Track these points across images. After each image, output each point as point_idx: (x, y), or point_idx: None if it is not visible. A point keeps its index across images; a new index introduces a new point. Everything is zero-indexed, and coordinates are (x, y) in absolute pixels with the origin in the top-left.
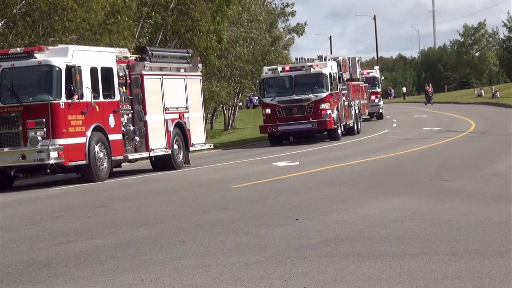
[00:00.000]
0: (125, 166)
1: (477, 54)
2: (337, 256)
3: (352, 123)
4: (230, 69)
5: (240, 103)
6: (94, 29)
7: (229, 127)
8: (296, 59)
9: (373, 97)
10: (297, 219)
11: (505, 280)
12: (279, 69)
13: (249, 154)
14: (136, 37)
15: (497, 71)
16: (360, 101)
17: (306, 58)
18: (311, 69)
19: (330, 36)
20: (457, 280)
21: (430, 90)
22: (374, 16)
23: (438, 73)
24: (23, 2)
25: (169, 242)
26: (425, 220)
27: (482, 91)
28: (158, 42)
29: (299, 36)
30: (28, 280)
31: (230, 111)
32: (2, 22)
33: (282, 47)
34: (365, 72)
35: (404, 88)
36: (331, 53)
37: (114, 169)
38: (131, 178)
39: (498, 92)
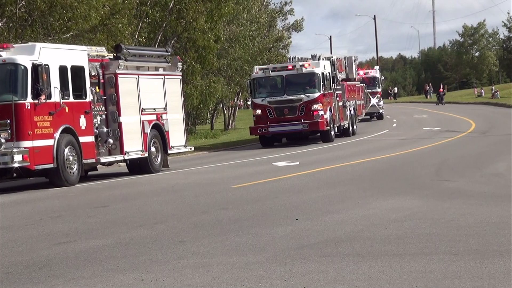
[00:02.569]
0: (102, 169)
1: (477, 54)
2: (337, 256)
3: (347, 124)
4: (230, 69)
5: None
6: (93, 29)
7: (229, 127)
8: (289, 58)
9: (373, 97)
10: (297, 219)
11: (505, 280)
12: (270, 68)
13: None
14: (136, 36)
15: (497, 71)
16: (356, 101)
17: (299, 58)
18: (303, 68)
19: (330, 36)
20: (457, 280)
21: (441, 90)
22: (374, 16)
23: (438, 73)
24: (23, 1)
25: (169, 242)
26: (425, 220)
27: (482, 91)
28: (157, 41)
29: (297, 32)
30: (28, 280)
31: (230, 111)
32: (2, 22)
33: (282, 47)
34: (365, 72)
35: (395, 88)
36: (331, 53)
37: (90, 173)
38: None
39: (498, 92)
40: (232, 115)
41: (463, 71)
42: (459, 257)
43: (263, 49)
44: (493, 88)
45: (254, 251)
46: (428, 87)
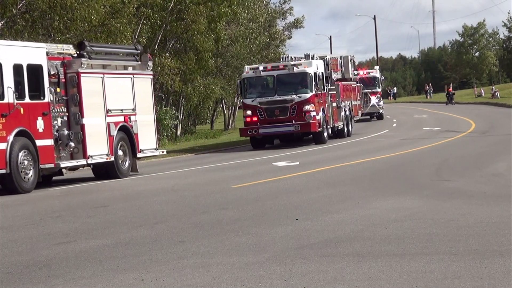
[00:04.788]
0: (67, 174)
1: (476, 54)
2: (337, 256)
3: (342, 125)
4: (229, 68)
5: None
6: (94, 29)
7: (229, 127)
8: (281, 57)
9: (373, 97)
10: (297, 219)
11: (505, 280)
12: (261, 68)
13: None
14: (136, 37)
15: (497, 71)
16: (351, 102)
17: (292, 57)
18: (294, 68)
19: (330, 36)
20: (457, 280)
21: (450, 89)
22: (374, 16)
23: (438, 73)
24: (23, 1)
25: (169, 242)
26: (425, 220)
27: (482, 91)
28: (157, 42)
29: (297, 29)
30: (28, 280)
31: (230, 111)
32: (2, 22)
33: (280, 41)
34: (366, 72)
35: (395, 88)
36: (331, 53)
37: (54, 178)
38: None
39: (498, 92)
40: (232, 115)
41: (463, 71)
42: (459, 257)
43: (262, 47)
44: (493, 88)
45: (254, 251)
46: (428, 87)
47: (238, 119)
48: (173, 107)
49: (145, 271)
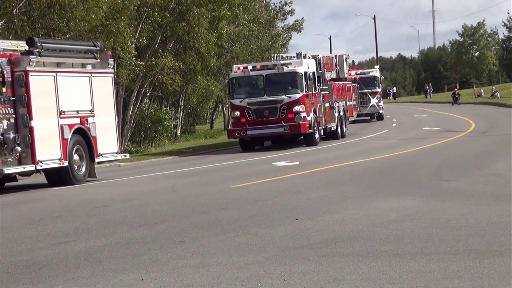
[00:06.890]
0: (23, 180)
1: (476, 54)
2: (337, 256)
3: (335, 127)
4: (230, 69)
5: None
6: (93, 29)
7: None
8: (272, 56)
9: (372, 97)
10: (297, 219)
11: (505, 280)
12: (250, 67)
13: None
14: (136, 37)
15: (497, 71)
16: (346, 102)
17: (284, 56)
18: (284, 67)
19: (330, 36)
20: (457, 280)
21: (456, 89)
22: (374, 16)
23: (438, 73)
24: (23, 1)
25: (169, 242)
26: (425, 220)
27: (482, 91)
28: (158, 42)
29: (297, 33)
30: (28, 280)
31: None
32: (1, 22)
33: (281, 46)
34: (358, 72)
35: (394, 88)
36: (330, 53)
37: (6, 184)
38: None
39: (497, 92)
40: None
41: (463, 71)
42: (459, 257)
43: (263, 49)
44: (493, 88)
45: (254, 251)
46: (427, 87)
47: None
48: (173, 108)
49: (145, 271)
